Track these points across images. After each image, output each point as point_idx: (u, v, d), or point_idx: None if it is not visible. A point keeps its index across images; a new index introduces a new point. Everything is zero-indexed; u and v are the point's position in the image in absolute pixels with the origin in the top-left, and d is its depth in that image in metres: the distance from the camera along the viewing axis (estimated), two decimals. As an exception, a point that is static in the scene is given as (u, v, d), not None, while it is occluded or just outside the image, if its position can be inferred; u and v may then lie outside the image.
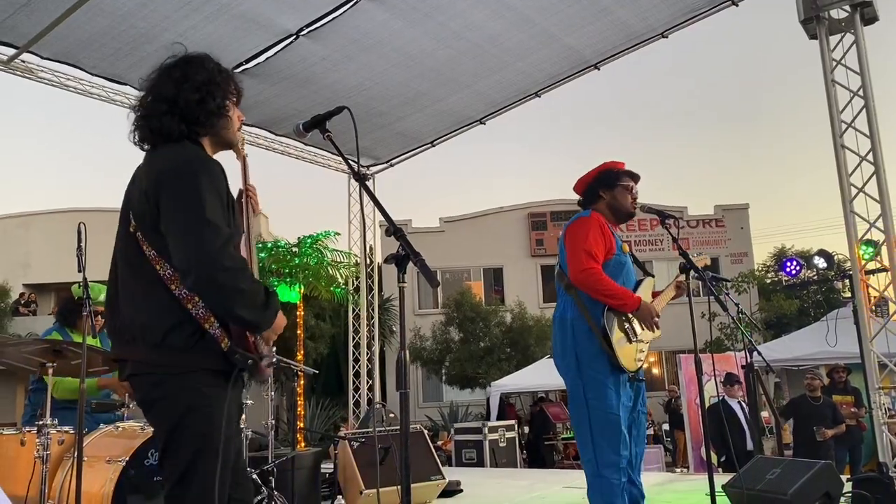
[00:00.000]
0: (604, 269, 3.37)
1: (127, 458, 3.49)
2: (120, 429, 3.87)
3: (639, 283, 3.57)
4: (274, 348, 2.23)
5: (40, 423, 3.53)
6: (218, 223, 2.05)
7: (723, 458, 7.61)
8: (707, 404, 7.46)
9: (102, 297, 4.50)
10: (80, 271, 3.54)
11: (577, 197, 3.77)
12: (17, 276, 21.37)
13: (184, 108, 2.21)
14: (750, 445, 7.53)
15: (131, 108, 2.31)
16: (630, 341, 3.36)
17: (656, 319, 3.41)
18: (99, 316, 4.50)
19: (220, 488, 2.02)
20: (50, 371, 3.58)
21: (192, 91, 2.21)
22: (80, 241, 3.48)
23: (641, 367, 3.47)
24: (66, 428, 3.72)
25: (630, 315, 3.37)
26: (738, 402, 8.00)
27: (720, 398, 7.87)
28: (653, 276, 3.68)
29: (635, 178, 3.65)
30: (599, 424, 3.26)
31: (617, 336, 3.31)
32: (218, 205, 2.09)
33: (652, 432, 13.97)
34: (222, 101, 2.28)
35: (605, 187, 3.59)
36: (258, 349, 2.08)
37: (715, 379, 8.48)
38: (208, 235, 2.01)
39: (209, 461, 2.01)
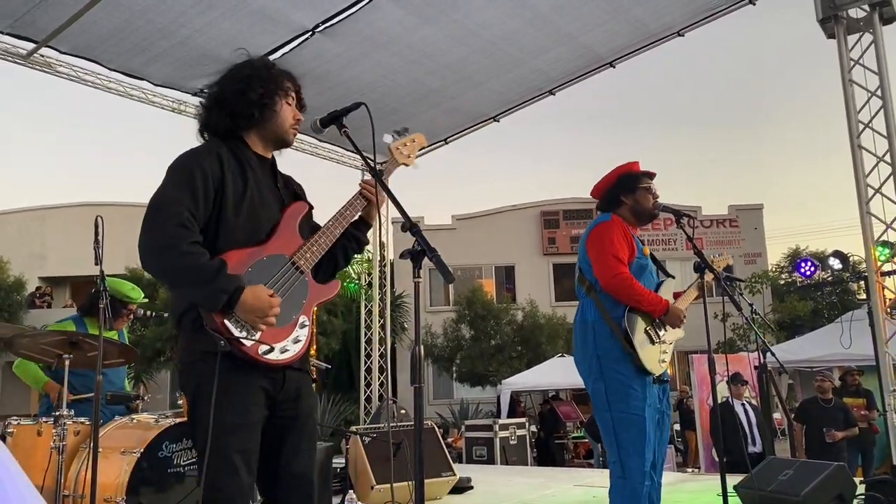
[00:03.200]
0: None
1: (141, 450, 3.53)
2: (135, 421, 3.91)
3: (659, 284, 3.55)
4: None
5: (57, 413, 3.58)
6: (167, 200, 2.06)
7: (724, 460, 7.45)
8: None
9: (131, 295, 4.56)
10: (96, 264, 3.53)
11: (588, 195, 3.74)
12: (33, 269, 21.57)
13: (226, 101, 2.25)
14: (751, 448, 7.32)
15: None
16: (652, 342, 3.33)
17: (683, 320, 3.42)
18: (129, 312, 4.56)
19: (224, 474, 2.01)
20: (66, 362, 3.63)
21: (233, 83, 2.26)
22: (97, 234, 3.49)
23: (665, 369, 3.43)
24: (82, 419, 3.77)
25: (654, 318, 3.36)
26: (743, 404, 7.83)
27: (724, 400, 7.68)
28: (673, 278, 3.65)
29: (651, 176, 3.62)
30: (623, 427, 3.21)
31: (639, 338, 3.27)
32: (182, 180, 2.09)
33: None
34: (267, 93, 2.26)
35: (627, 191, 3.55)
36: (229, 331, 2.00)
37: (726, 380, 8.41)
38: (147, 220, 2.04)
39: (214, 443, 1.98)
